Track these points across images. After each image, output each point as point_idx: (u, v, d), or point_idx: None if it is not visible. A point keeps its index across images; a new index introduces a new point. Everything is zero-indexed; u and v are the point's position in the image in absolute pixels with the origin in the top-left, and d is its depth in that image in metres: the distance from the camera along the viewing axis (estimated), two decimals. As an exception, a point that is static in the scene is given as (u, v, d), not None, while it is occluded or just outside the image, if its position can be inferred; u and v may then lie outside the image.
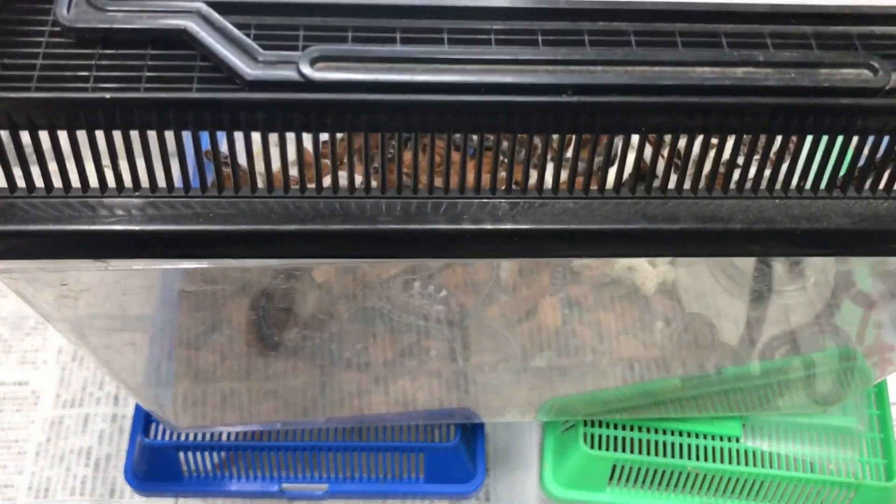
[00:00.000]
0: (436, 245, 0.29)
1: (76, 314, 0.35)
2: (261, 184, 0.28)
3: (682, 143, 0.28)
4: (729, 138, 0.27)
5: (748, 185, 0.29)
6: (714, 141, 0.27)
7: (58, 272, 0.31)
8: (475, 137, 0.27)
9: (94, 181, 0.27)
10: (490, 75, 0.26)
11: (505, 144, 0.27)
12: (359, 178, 0.28)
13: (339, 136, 0.27)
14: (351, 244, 0.28)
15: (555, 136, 0.27)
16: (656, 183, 0.29)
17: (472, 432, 0.52)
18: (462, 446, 0.50)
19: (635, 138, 0.27)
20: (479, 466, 0.51)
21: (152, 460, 0.50)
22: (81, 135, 0.26)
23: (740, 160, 0.28)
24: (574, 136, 0.27)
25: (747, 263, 0.40)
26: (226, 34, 0.26)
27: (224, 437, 0.50)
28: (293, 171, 0.29)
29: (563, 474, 0.49)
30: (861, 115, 0.26)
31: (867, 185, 0.29)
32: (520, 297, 0.41)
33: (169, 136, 0.26)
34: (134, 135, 0.26)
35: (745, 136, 0.27)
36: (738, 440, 0.49)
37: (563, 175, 0.28)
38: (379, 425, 0.51)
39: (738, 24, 0.28)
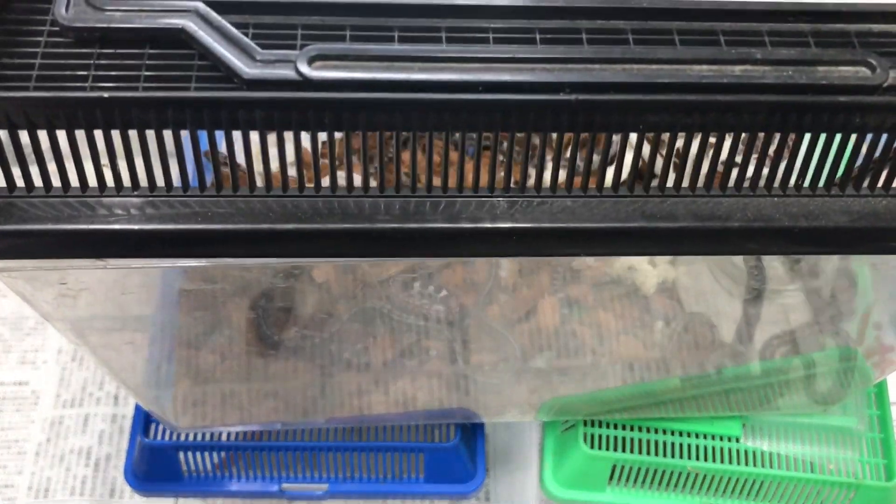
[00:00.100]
0: (435, 244, 0.29)
1: (76, 313, 0.35)
2: (259, 183, 0.28)
3: (680, 141, 0.28)
4: (727, 136, 0.27)
5: (746, 183, 0.29)
6: (712, 139, 0.27)
7: (57, 271, 0.31)
8: (474, 136, 0.27)
9: (92, 181, 0.27)
10: (488, 74, 0.26)
11: (503, 143, 0.27)
12: (357, 177, 0.28)
13: (337, 135, 0.27)
14: (350, 243, 0.28)
15: (553, 135, 0.27)
16: (655, 181, 0.29)
17: (472, 432, 0.52)
18: (462, 446, 0.50)
19: (634, 136, 0.27)
20: (479, 466, 0.51)
21: (152, 460, 0.50)
22: (80, 134, 0.26)
23: (738, 158, 0.28)
24: (572, 135, 0.27)
25: (747, 262, 0.40)
26: (224, 33, 0.26)
27: (224, 437, 0.50)
28: (292, 171, 0.29)
29: (563, 474, 0.49)
30: (859, 113, 0.26)
31: (865, 182, 0.29)
32: (520, 296, 0.41)
33: (167, 135, 0.26)
34: (132, 134, 0.26)
35: (743, 134, 0.27)
36: (738, 440, 0.49)
37: (562, 174, 0.28)
38: (379, 425, 0.51)
39: (735, 21, 0.28)
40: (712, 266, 0.40)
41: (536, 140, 0.27)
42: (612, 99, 0.26)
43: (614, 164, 0.29)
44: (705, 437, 0.49)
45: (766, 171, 0.29)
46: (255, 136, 0.26)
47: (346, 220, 0.28)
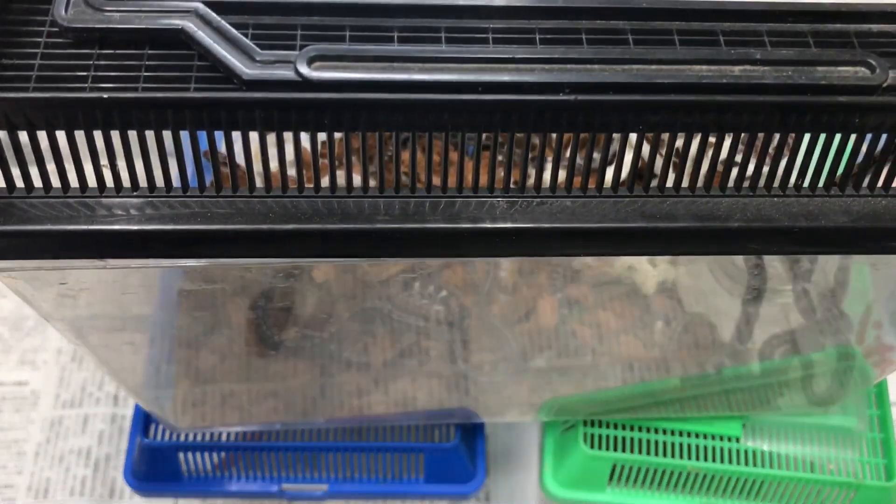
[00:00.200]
0: (434, 244, 0.29)
1: (75, 313, 0.36)
2: (259, 183, 0.28)
3: (680, 141, 0.28)
4: (727, 136, 0.27)
5: (746, 183, 0.29)
6: (712, 139, 0.27)
7: (57, 271, 0.31)
8: (473, 136, 0.27)
9: (92, 181, 0.27)
10: (488, 74, 0.26)
11: (503, 143, 0.27)
12: (357, 178, 0.28)
13: (337, 135, 0.27)
14: (349, 244, 0.28)
15: (553, 135, 0.27)
16: (654, 181, 0.29)
17: (472, 432, 0.52)
18: (462, 446, 0.50)
19: (633, 137, 0.27)
20: (479, 467, 0.51)
21: (152, 461, 0.50)
22: (80, 135, 0.26)
23: (738, 158, 0.28)
24: (572, 135, 0.27)
25: (747, 262, 0.40)
26: (223, 34, 0.26)
27: (224, 438, 0.50)
28: (291, 171, 0.29)
29: (563, 474, 0.49)
30: (858, 113, 0.26)
31: (865, 182, 0.29)
32: (520, 296, 0.41)
33: (167, 135, 0.26)
34: (132, 135, 0.26)
35: (742, 134, 0.27)
36: (738, 440, 0.49)
37: (562, 174, 0.28)
38: (379, 425, 0.51)
39: (735, 22, 0.28)
40: (713, 266, 0.40)
41: (536, 140, 0.27)
42: (611, 99, 0.26)
43: (614, 164, 0.29)
44: (705, 437, 0.49)
45: (765, 171, 0.29)
46: (254, 137, 0.26)
47: (345, 220, 0.28)
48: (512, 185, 0.29)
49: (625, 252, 0.31)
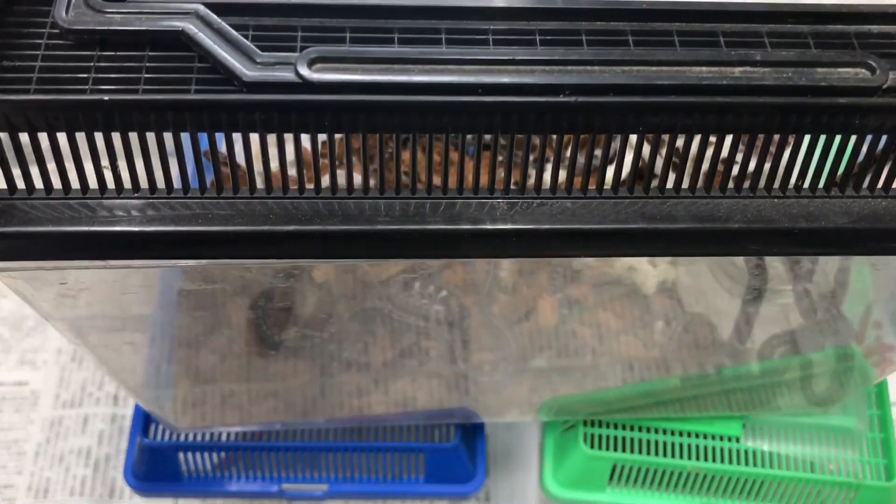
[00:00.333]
0: (434, 245, 0.29)
1: (75, 313, 0.36)
2: (260, 184, 0.28)
3: (680, 142, 0.28)
4: (727, 138, 0.27)
5: (746, 184, 0.29)
6: (712, 140, 0.28)
7: (57, 271, 0.31)
8: (473, 137, 0.27)
9: (93, 182, 0.27)
10: (488, 76, 0.26)
11: (503, 144, 0.27)
12: (357, 178, 0.28)
13: (337, 136, 0.27)
14: (349, 244, 0.28)
15: (553, 136, 0.27)
16: (654, 182, 0.29)
17: (472, 432, 0.52)
18: (462, 446, 0.50)
19: (633, 138, 0.27)
20: (479, 467, 0.51)
21: (152, 461, 0.50)
22: (80, 136, 0.26)
23: (738, 159, 0.28)
24: (572, 136, 0.27)
25: (748, 262, 0.40)
26: (224, 35, 0.26)
27: (224, 438, 0.50)
28: (292, 172, 0.29)
29: (563, 474, 0.49)
30: (859, 114, 0.26)
31: (865, 183, 0.29)
32: (520, 296, 0.41)
33: (167, 137, 0.26)
34: (133, 136, 0.26)
35: (742, 135, 0.27)
36: (738, 440, 0.49)
37: (562, 175, 0.28)
38: (379, 425, 0.51)
39: (735, 23, 0.28)
40: (713, 266, 0.40)
41: (536, 141, 0.27)
42: (611, 100, 0.26)
43: (614, 165, 0.29)
44: (705, 437, 0.49)
45: (766, 172, 0.29)
46: (255, 138, 0.27)
47: (346, 221, 0.28)
48: (512, 186, 0.29)
49: (625, 253, 0.31)
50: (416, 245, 0.29)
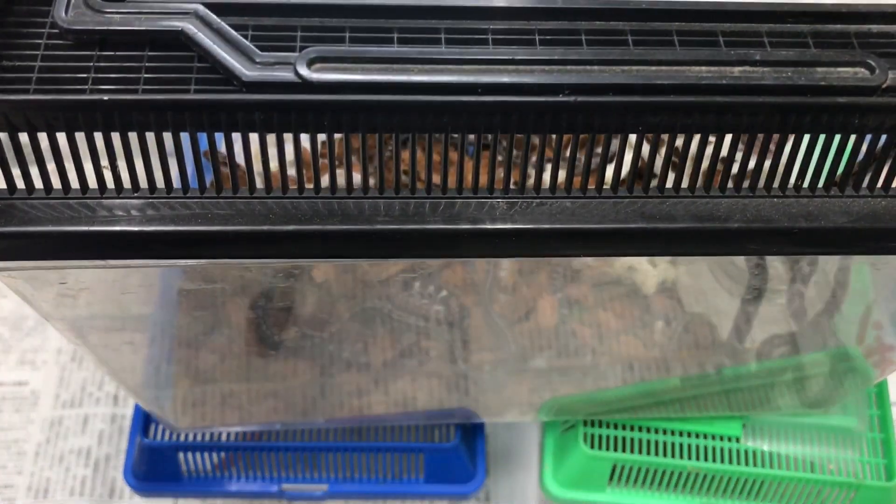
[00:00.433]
0: (434, 245, 0.29)
1: (75, 313, 0.36)
2: (259, 184, 0.28)
3: (679, 142, 0.28)
4: (726, 137, 0.27)
5: (746, 183, 0.29)
6: (711, 140, 0.28)
7: (57, 271, 0.31)
8: (473, 137, 0.27)
9: (92, 182, 0.27)
10: (487, 75, 0.26)
11: (503, 144, 0.27)
12: (357, 178, 0.28)
13: (337, 136, 0.27)
14: (349, 244, 0.28)
15: (553, 136, 0.27)
16: (654, 182, 0.29)
17: (472, 432, 0.52)
18: (462, 446, 0.50)
19: (633, 137, 0.27)
20: (479, 467, 0.51)
21: (152, 461, 0.50)
22: (80, 136, 0.26)
23: (738, 159, 0.28)
24: (571, 136, 0.27)
25: (748, 262, 0.40)
26: (223, 35, 0.26)
27: (224, 438, 0.50)
28: (291, 172, 0.29)
29: (563, 474, 0.49)
30: (858, 114, 0.26)
31: (865, 183, 0.29)
32: (520, 296, 0.41)
33: (167, 137, 0.26)
34: (132, 136, 0.26)
35: (742, 134, 0.27)
36: (738, 440, 0.49)
37: (561, 174, 0.28)
38: (379, 425, 0.51)
39: (735, 22, 0.28)
40: (713, 266, 0.40)
41: (536, 141, 0.27)
42: (611, 100, 0.26)
43: (613, 164, 0.29)
44: (705, 437, 0.49)
45: (765, 171, 0.29)
46: (254, 138, 0.27)
47: (345, 221, 0.28)
48: (512, 186, 0.29)
49: (624, 252, 0.31)
50: (416, 245, 0.29)
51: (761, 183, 0.29)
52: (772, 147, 0.28)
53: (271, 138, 0.27)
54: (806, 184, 0.29)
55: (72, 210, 0.27)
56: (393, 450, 0.50)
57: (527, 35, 0.27)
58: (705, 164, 0.29)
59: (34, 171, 0.27)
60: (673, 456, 0.48)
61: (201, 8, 0.26)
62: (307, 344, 0.43)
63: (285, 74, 0.25)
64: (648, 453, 0.48)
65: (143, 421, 0.50)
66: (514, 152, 0.27)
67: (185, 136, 0.26)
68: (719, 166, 0.28)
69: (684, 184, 0.29)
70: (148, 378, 0.44)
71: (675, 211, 0.29)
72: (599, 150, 0.28)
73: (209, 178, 0.28)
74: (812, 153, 0.28)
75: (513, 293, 0.41)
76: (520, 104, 0.26)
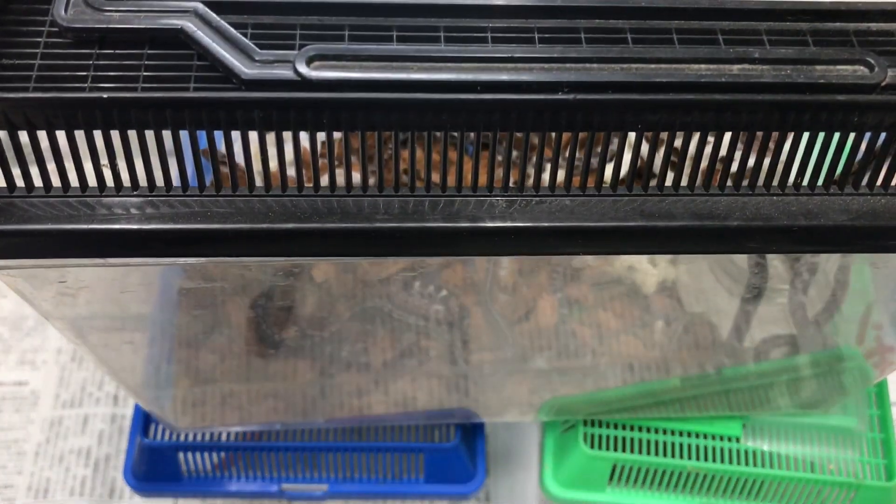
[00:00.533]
0: (433, 243, 0.29)
1: (75, 312, 0.36)
2: (259, 182, 0.28)
3: (678, 140, 0.28)
4: (725, 135, 0.27)
5: (745, 182, 0.29)
6: (711, 138, 0.28)
7: (56, 269, 0.31)
8: (472, 135, 0.27)
9: (92, 181, 0.27)
10: (486, 73, 0.26)
11: (502, 142, 0.27)
12: (356, 177, 0.28)
13: (336, 134, 0.27)
14: (349, 242, 0.28)
15: (552, 134, 0.27)
16: (653, 180, 0.29)
17: (472, 432, 0.52)
18: (462, 446, 0.50)
19: (632, 136, 0.27)
20: (479, 467, 0.51)
21: (152, 461, 0.50)
22: (79, 134, 0.26)
23: (737, 157, 0.28)
24: (571, 134, 0.27)
25: (749, 261, 0.40)
26: (222, 33, 0.26)
27: (224, 438, 0.50)
28: (291, 170, 0.29)
29: (563, 474, 0.49)
30: (857, 112, 0.26)
31: (864, 181, 0.29)
32: (520, 296, 0.41)
33: (166, 135, 0.26)
34: (132, 134, 0.26)
35: (741, 132, 0.27)
36: (738, 440, 0.49)
37: (560, 173, 0.28)
38: (379, 425, 0.51)
39: (734, 20, 0.28)
40: (713, 265, 0.40)
41: (535, 139, 0.27)
42: (610, 98, 0.26)
43: (612, 162, 0.29)
44: (705, 437, 0.49)
45: (764, 169, 0.29)
46: (253, 136, 0.27)
47: (345, 219, 0.28)
48: (511, 184, 0.29)
49: (624, 251, 0.31)
50: (415, 243, 0.29)
51: (761, 181, 0.29)
52: (771, 145, 0.28)
53: (271, 136, 0.27)
54: (805, 182, 0.29)
55: (71, 208, 0.27)
56: (393, 450, 0.50)
57: (526, 33, 0.27)
58: (704, 162, 0.29)
59: (34, 170, 0.27)
60: (673, 456, 0.48)
61: (201, 6, 0.27)
62: (307, 343, 0.43)
63: (284, 72, 0.25)
64: (648, 453, 0.48)
65: (143, 421, 0.50)
66: (514, 151, 0.27)
67: (184, 135, 0.26)
68: (718, 164, 0.28)
69: (684, 182, 0.29)
70: (148, 378, 0.44)
71: (675, 209, 0.29)
72: (599, 148, 0.28)
73: (208, 177, 0.28)
74: (811, 151, 0.28)
75: (513, 293, 0.41)
76: (519, 102, 0.26)
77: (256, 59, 0.26)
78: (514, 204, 0.28)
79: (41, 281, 0.32)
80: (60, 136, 0.26)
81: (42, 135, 0.26)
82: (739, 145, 0.28)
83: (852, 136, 0.27)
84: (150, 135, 0.26)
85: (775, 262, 0.40)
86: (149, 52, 0.26)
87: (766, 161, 0.28)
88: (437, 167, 0.28)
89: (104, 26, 0.26)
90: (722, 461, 0.48)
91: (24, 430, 0.54)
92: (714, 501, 0.49)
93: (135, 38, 0.26)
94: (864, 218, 0.29)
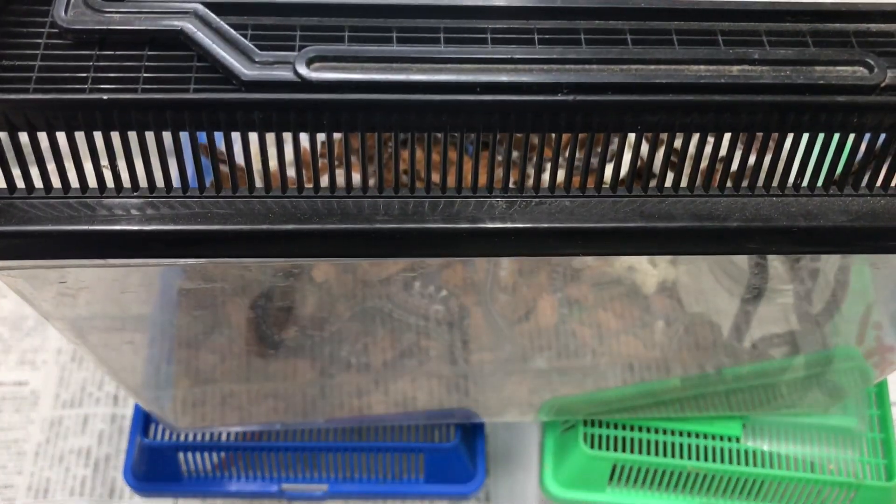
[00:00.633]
0: (433, 244, 0.29)
1: (75, 312, 0.36)
2: (259, 183, 0.28)
3: (678, 141, 0.28)
4: (725, 136, 0.27)
5: (745, 182, 0.29)
6: (710, 139, 0.28)
7: (56, 270, 0.31)
8: (472, 136, 0.27)
9: (92, 182, 0.27)
10: (486, 75, 0.26)
11: (502, 143, 0.27)
12: (356, 178, 0.28)
13: (336, 135, 0.27)
14: (349, 243, 0.28)
15: (552, 135, 0.27)
16: (653, 181, 0.29)
17: (472, 432, 0.52)
18: (462, 446, 0.50)
19: (632, 136, 0.27)
20: (479, 467, 0.51)
21: (152, 461, 0.50)
22: (80, 136, 0.26)
23: (737, 157, 0.28)
24: (571, 135, 0.27)
25: (749, 261, 0.40)
26: (222, 35, 0.26)
27: (224, 438, 0.50)
28: (291, 171, 0.29)
29: (563, 474, 0.49)
30: (857, 113, 0.26)
31: (864, 182, 0.29)
32: (520, 296, 0.41)
33: (167, 136, 0.26)
34: (132, 135, 0.26)
35: (741, 133, 0.27)
36: (738, 440, 0.49)
37: (560, 174, 0.28)
38: (379, 425, 0.51)
39: (734, 21, 0.28)
40: (713, 266, 0.40)
41: (535, 140, 0.27)
42: (609, 99, 0.26)
43: (612, 163, 0.29)
44: (705, 437, 0.49)
45: (764, 170, 0.29)
46: (253, 137, 0.27)
47: (345, 220, 0.28)
48: (511, 185, 0.29)
49: (624, 251, 0.31)
50: (415, 244, 0.29)
51: (760, 182, 0.29)
52: (771, 145, 0.28)
53: (270, 137, 0.27)
54: (805, 183, 0.29)
55: (71, 209, 0.27)
56: (393, 450, 0.50)
57: (526, 34, 0.27)
58: (704, 163, 0.29)
59: (34, 171, 0.27)
60: (673, 456, 0.48)
61: (201, 7, 0.27)
62: (307, 344, 0.43)
63: (284, 74, 0.25)
64: (648, 453, 0.48)
65: (143, 421, 0.50)
66: (514, 151, 0.27)
67: (184, 136, 0.26)
68: (718, 165, 0.28)
69: (683, 183, 0.29)
70: (148, 378, 0.44)
71: (675, 210, 0.29)
72: (598, 149, 0.28)
73: (208, 178, 0.28)
74: (811, 152, 0.28)
75: (513, 293, 0.41)
76: (518, 103, 0.26)
77: (256, 60, 0.26)
78: (514, 205, 0.28)
79: (41, 281, 0.32)
80: (61, 137, 0.26)
81: (42, 136, 0.26)
82: (739, 146, 0.28)
83: (852, 136, 0.27)
84: (150, 136, 0.26)
85: (775, 262, 0.40)
86: (149, 53, 0.26)
87: (766, 162, 0.28)
88: (437, 168, 0.28)
89: (104, 27, 0.26)
90: (722, 461, 0.48)
91: (24, 430, 0.54)
92: (714, 501, 0.49)
93: (135, 39, 0.26)
94: (863, 219, 0.29)
